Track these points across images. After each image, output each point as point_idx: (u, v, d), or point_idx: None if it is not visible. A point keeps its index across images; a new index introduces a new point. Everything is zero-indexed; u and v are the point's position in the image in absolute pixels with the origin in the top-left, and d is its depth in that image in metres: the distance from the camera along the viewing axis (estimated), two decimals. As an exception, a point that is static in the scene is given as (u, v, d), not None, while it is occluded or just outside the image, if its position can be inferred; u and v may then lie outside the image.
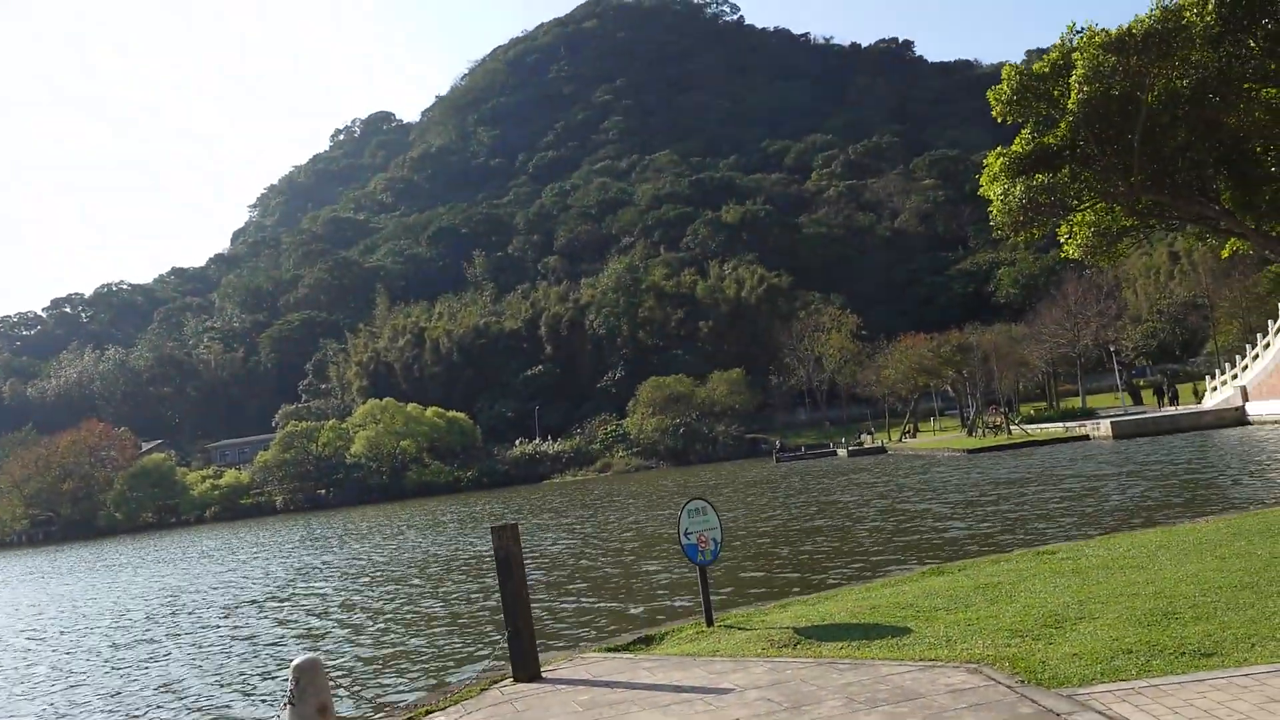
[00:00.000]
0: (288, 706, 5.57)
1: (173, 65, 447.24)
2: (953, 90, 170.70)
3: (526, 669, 7.42)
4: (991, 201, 17.92)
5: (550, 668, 7.70)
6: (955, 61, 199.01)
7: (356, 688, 10.61)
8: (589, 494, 48.58)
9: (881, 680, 5.88)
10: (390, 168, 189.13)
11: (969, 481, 28.08)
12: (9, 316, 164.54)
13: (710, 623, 8.60)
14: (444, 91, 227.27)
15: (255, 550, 38.54)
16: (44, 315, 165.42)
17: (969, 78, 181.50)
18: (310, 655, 5.80)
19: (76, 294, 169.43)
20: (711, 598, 8.90)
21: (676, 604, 12.86)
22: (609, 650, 8.23)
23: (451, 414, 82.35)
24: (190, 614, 20.94)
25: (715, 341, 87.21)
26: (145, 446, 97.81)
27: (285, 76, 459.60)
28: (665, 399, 76.10)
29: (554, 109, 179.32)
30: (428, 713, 6.69)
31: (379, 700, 9.57)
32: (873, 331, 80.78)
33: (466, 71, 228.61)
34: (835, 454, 58.88)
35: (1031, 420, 52.78)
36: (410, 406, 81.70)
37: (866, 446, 57.75)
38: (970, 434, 54.97)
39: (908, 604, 8.38)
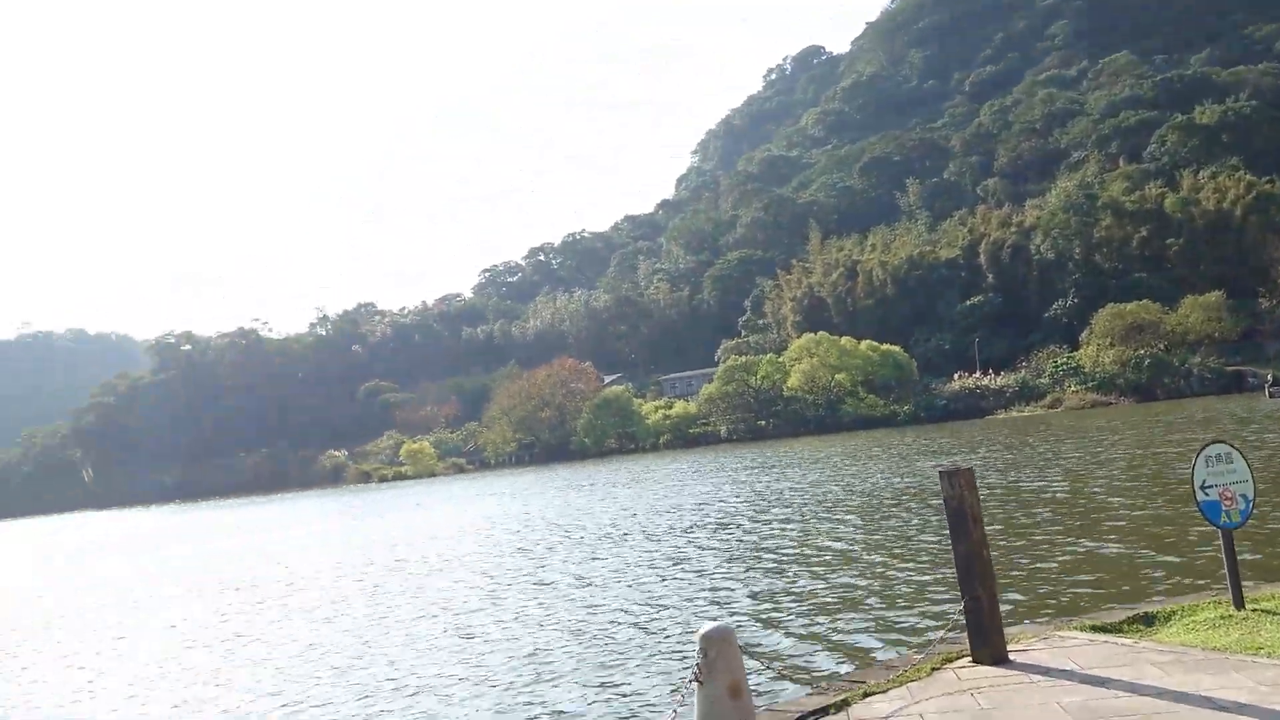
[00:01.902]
0: (693, 682, 4.93)
1: (615, 36, 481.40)
2: None
3: (989, 648, 6.15)
4: None
5: (1018, 647, 6.34)
6: None
7: (761, 644, 9.90)
8: (1043, 430, 44.58)
9: None
10: (821, 101, 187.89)
11: None
12: (496, 266, 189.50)
13: (1240, 605, 6.64)
14: (873, 17, 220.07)
15: (706, 474, 40.17)
16: (523, 264, 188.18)
17: None
18: (720, 624, 5.07)
19: (548, 244, 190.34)
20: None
21: (1172, 573, 10.65)
22: (1095, 630, 6.63)
23: (886, 347, 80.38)
24: (624, 537, 21.93)
25: (1187, 262, 76.02)
26: (607, 379, 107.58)
27: (721, 23, 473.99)
28: (1126, 328, 67.91)
29: (991, 21, 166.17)
30: (865, 695, 5.69)
31: (793, 672, 8.50)
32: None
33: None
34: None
35: None
36: (844, 340, 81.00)
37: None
38: None
39: None
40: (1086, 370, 67.88)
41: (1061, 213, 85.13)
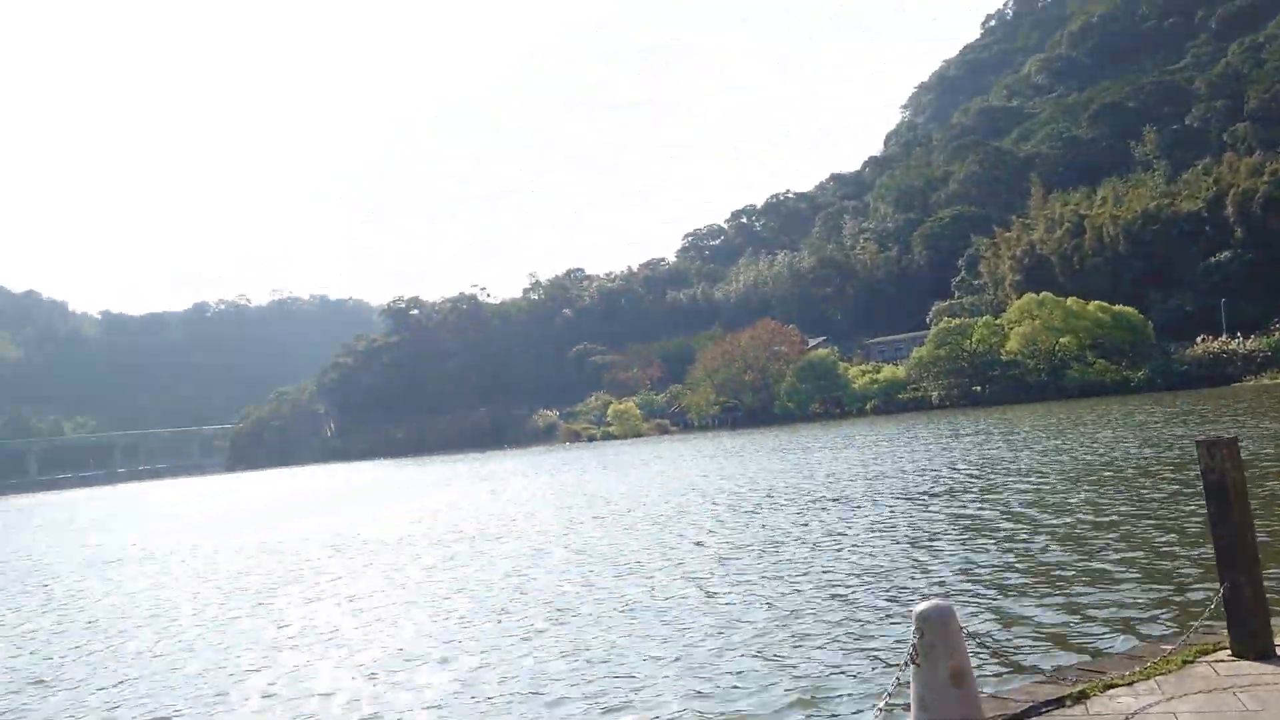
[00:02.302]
0: (909, 665, 4.61)
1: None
2: None
3: (1252, 640, 5.50)
4: None
5: (1287, 642, 5.65)
6: None
7: (983, 625, 9.31)
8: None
9: None
10: (1046, 47, 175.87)
11: None
12: (699, 229, 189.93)
13: None
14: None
15: (920, 441, 38.89)
16: (725, 226, 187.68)
17: None
18: (939, 603, 4.69)
19: (750, 205, 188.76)
20: None
21: None
22: (1383, 628, 5.81)
23: (1117, 308, 74.84)
24: (833, 502, 21.42)
25: None
26: (811, 342, 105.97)
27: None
28: None
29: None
30: (1106, 687, 5.18)
31: (1019, 657, 7.85)
32: None
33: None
34: None
35: None
36: (1070, 301, 76.04)
37: None
38: None
39: None
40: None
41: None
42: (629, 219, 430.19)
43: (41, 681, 11.95)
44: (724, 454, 47.78)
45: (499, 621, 12.35)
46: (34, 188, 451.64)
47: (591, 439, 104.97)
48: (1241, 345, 67.26)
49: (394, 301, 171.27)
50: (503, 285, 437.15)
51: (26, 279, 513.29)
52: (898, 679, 4.85)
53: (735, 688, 8.30)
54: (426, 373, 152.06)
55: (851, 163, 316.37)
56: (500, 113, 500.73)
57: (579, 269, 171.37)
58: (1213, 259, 78.54)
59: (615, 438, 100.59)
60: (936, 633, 4.57)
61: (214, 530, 34.29)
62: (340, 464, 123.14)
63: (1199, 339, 70.97)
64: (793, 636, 9.84)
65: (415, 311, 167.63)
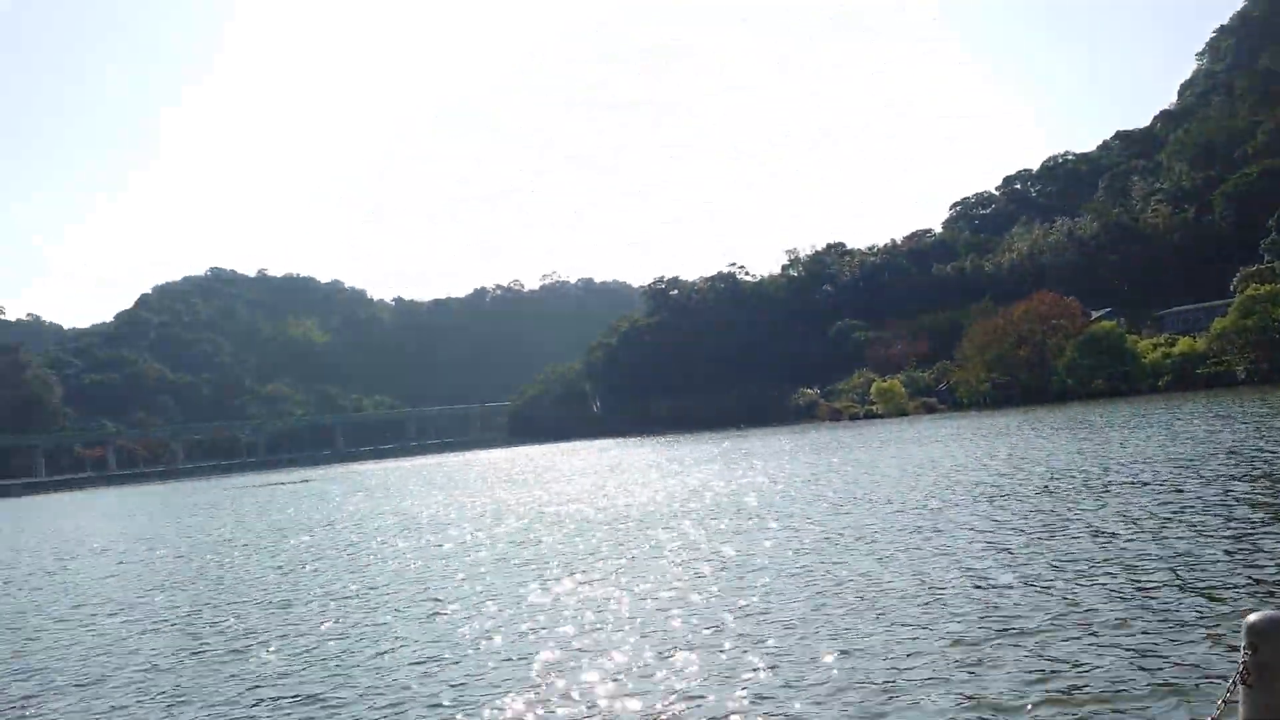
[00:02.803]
0: (1238, 686, 4.09)
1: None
2: None
3: None
4: None
5: None
6: None
7: None
8: None
9: None
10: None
11: None
12: (968, 198, 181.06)
13: None
14: None
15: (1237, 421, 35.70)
16: (997, 194, 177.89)
17: None
18: (1276, 614, 4.15)
19: (1025, 170, 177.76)
20: None
21: None
22: None
23: None
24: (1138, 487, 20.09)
25: None
26: (1094, 314, 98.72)
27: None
28: None
29: None
30: None
31: None
32: None
33: None
34: None
35: None
36: None
37: None
38: None
39: None
40: None
41: None
42: (890, 191, 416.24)
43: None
44: (995, 434, 45.90)
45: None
46: (334, 186, 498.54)
47: (854, 418, 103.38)
48: None
49: (655, 282, 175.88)
50: (760, 262, 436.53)
51: (332, 269, 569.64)
52: (1224, 700, 4.30)
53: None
54: (686, 352, 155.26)
55: (1140, 119, 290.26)
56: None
57: (840, 243, 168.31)
58: None
59: (879, 416, 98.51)
60: (1275, 649, 3.99)
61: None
62: (610, 440, 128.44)
63: None
64: (1089, 636, 9.52)
65: (675, 291, 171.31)
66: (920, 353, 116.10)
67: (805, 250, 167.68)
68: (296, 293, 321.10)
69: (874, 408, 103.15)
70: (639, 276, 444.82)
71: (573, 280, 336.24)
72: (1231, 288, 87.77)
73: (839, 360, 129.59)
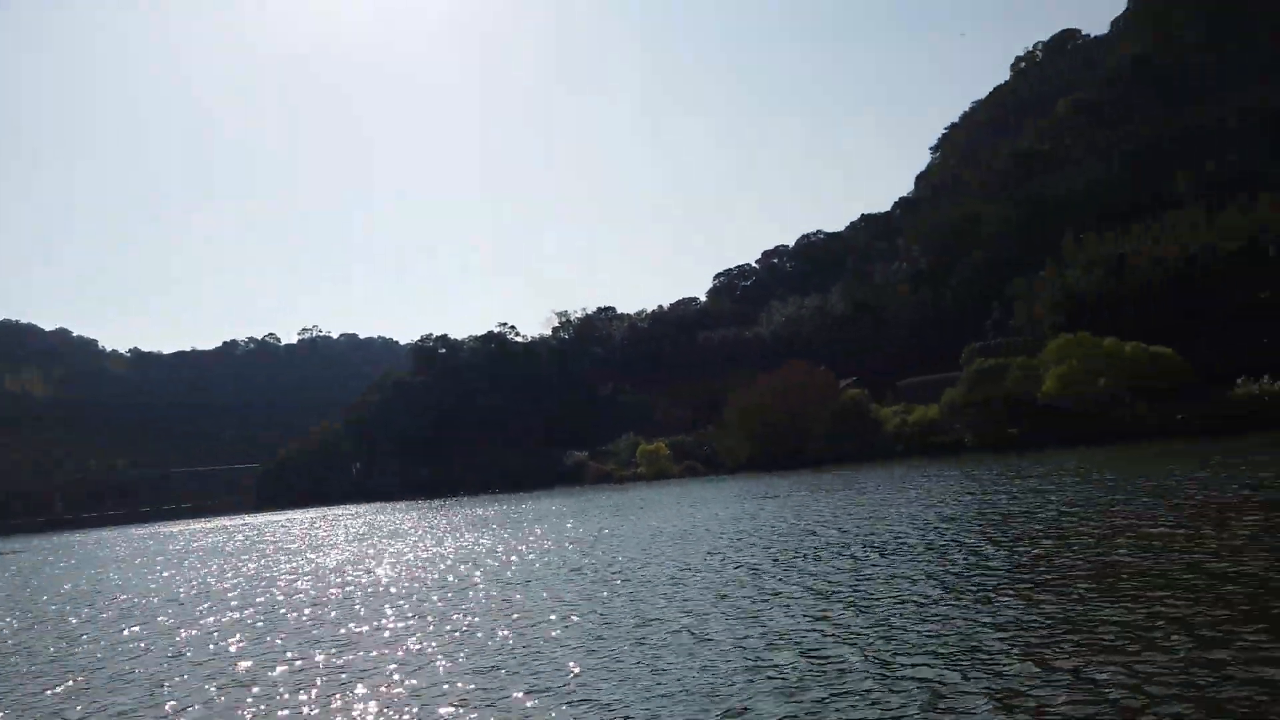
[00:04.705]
0: None
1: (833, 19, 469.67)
2: None
3: None
4: None
5: None
6: None
7: None
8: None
9: None
10: (1078, 88, 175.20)
11: None
12: (730, 270, 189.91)
13: None
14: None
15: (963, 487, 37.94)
16: (756, 266, 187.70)
17: None
18: None
19: (782, 245, 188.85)
20: None
21: None
22: None
23: (1156, 349, 73.45)
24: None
25: None
26: (843, 384, 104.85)
27: (955, 9, 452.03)
28: None
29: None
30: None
31: None
32: None
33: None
34: None
35: None
36: (1107, 342, 74.76)
37: None
38: None
39: None
40: (1407, 377, 59.14)
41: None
42: (657, 257, 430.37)
43: None
44: (737, 498, 47.03)
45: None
46: (58, 223, 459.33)
47: (622, 480, 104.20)
48: (1285, 388, 65.59)
49: (423, 339, 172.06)
50: (531, 324, 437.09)
51: (56, 316, 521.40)
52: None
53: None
54: (454, 412, 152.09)
55: (883, 203, 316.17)
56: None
57: (610, 307, 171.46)
58: (1253, 298, 77.10)
59: (644, 479, 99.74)
60: None
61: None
62: (370, 505, 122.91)
63: (1239, 381, 69.38)
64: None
65: (443, 350, 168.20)
66: (686, 417, 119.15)
67: (576, 313, 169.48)
68: (13, 341, 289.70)
69: (640, 470, 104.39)
70: (407, 333, 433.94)
71: (335, 335, 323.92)
72: (961, 361, 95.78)
73: (608, 422, 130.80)
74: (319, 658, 15.63)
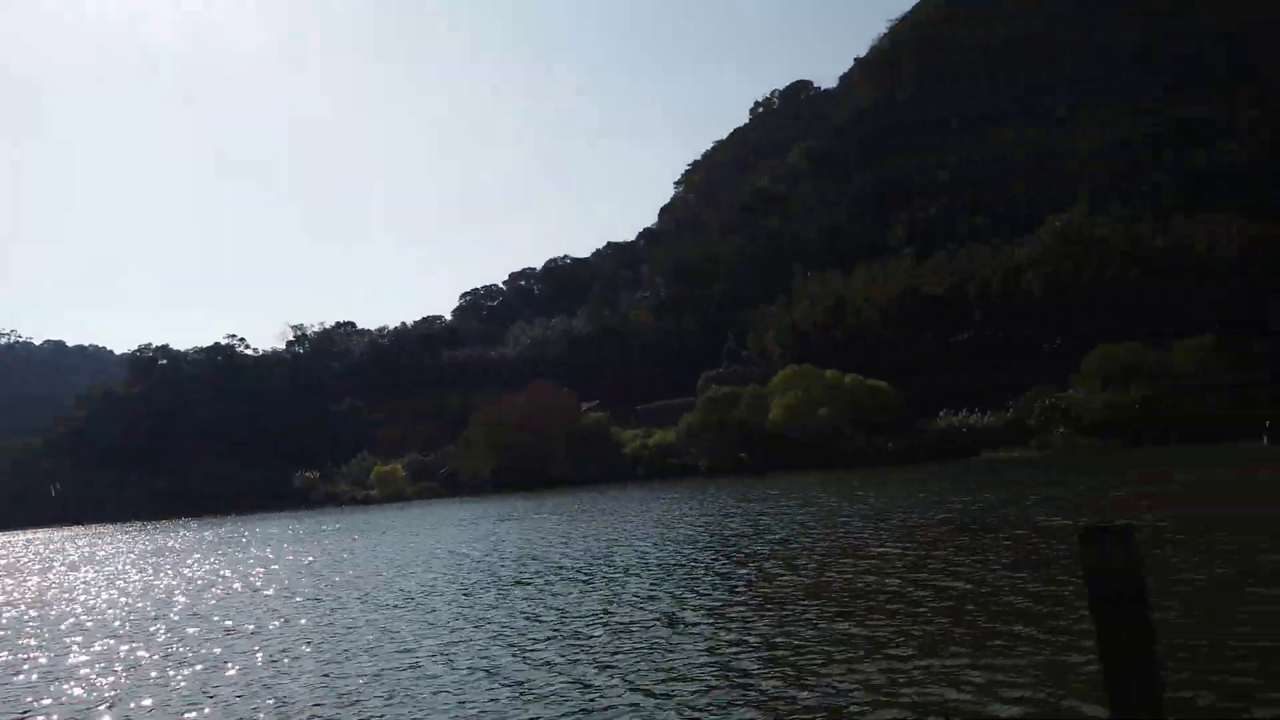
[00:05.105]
0: None
1: (592, 52, 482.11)
2: None
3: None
4: None
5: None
6: None
7: None
8: (1039, 473, 43.55)
9: None
10: (808, 136, 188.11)
11: None
12: (477, 290, 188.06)
13: None
14: (862, 54, 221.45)
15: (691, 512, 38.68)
16: (504, 288, 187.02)
17: None
18: None
19: (530, 268, 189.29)
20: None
21: None
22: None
23: (872, 382, 79.38)
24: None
25: (1180, 305, 75.60)
26: (585, 406, 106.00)
27: (703, 53, 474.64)
28: (1116, 369, 67.28)
29: (985, 60, 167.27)
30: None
31: None
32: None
33: (886, 31, 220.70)
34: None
35: None
36: (829, 374, 79.98)
37: None
38: None
39: None
40: (1076, 411, 67.06)
41: (1051, 250, 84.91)
42: (400, 276, 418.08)
43: None
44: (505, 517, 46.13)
45: None
46: None
47: (354, 501, 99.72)
48: (980, 419, 72.68)
49: (140, 349, 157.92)
50: (263, 337, 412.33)
51: None
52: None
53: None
54: (174, 429, 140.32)
55: (628, 232, 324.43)
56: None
57: (350, 322, 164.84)
58: (956, 338, 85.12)
59: (378, 501, 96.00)
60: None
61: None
62: (72, 529, 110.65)
63: (941, 413, 76.16)
64: None
65: (164, 361, 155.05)
66: (427, 436, 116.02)
67: (313, 327, 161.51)
68: None
69: (373, 493, 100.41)
70: (123, 342, 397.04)
71: (37, 341, 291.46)
72: (698, 388, 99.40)
73: (344, 442, 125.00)
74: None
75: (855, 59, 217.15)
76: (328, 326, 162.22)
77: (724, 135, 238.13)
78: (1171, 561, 16.45)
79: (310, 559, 34.52)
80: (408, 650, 15.21)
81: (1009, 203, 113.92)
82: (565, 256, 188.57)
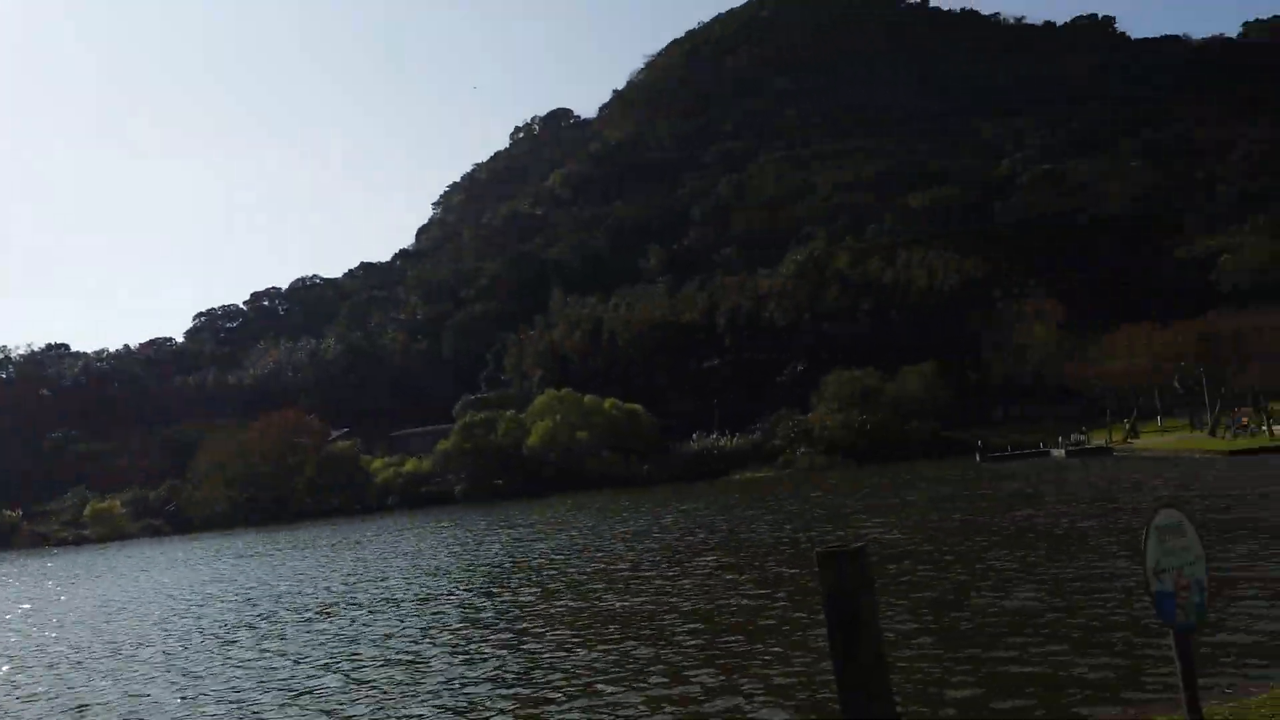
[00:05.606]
0: None
1: (349, 71, 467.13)
2: (1160, 68, 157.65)
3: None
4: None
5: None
6: (1162, 37, 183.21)
7: None
8: (784, 493, 45.08)
9: None
10: (568, 163, 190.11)
11: None
12: (214, 309, 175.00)
13: None
14: (620, 86, 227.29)
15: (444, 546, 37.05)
16: (245, 308, 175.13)
17: (1178, 53, 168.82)
18: None
19: (274, 288, 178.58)
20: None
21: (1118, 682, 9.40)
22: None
23: (629, 406, 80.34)
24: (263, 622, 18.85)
25: (906, 333, 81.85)
26: (334, 434, 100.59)
27: (463, 76, 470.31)
28: (852, 393, 71.73)
29: (732, 99, 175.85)
30: None
31: None
32: (1080, 324, 74.03)
33: (643, 66, 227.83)
34: (1049, 454, 53.59)
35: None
36: (587, 398, 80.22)
37: (1089, 446, 51.92)
38: (1212, 434, 48.84)
39: None
40: (816, 433, 70.64)
41: (793, 282, 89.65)
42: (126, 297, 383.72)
43: None
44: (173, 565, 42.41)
45: None
46: None
47: (63, 542, 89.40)
48: (729, 442, 75.15)
49: None
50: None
51: None
52: None
53: None
54: None
55: (383, 253, 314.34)
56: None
57: (63, 344, 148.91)
58: (707, 364, 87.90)
59: (93, 541, 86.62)
60: None
61: None
62: None
63: (694, 436, 78.18)
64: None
65: None
66: (153, 469, 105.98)
67: (18, 349, 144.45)
68: None
69: (87, 533, 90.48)
70: None
71: None
72: (455, 413, 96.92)
73: (56, 476, 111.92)
74: None
75: (614, 90, 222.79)
76: (36, 349, 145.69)
77: (484, 158, 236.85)
78: (906, 574, 16.97)
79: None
80: None
81: (756, 234, 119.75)
82: (314, 276, 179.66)
